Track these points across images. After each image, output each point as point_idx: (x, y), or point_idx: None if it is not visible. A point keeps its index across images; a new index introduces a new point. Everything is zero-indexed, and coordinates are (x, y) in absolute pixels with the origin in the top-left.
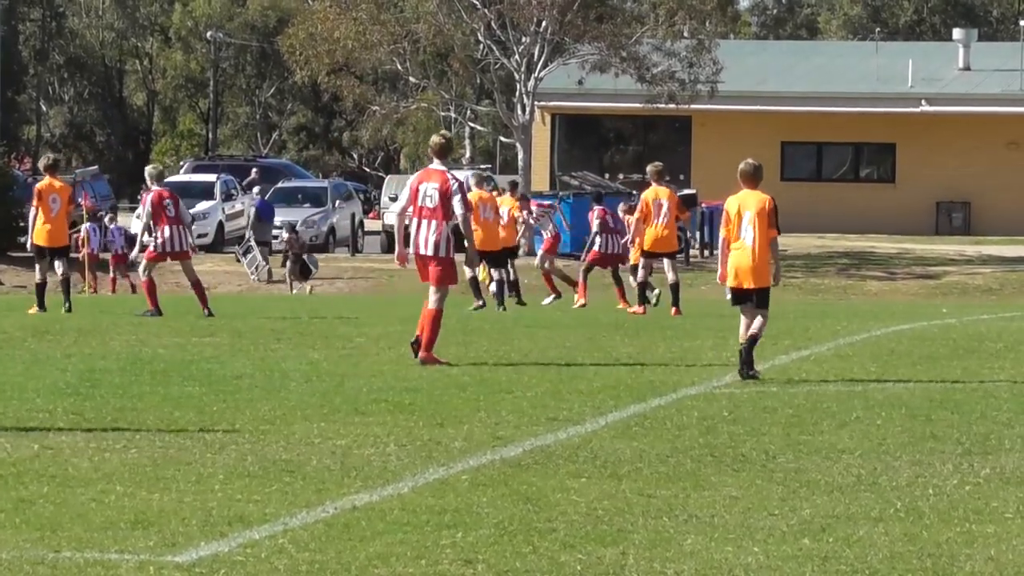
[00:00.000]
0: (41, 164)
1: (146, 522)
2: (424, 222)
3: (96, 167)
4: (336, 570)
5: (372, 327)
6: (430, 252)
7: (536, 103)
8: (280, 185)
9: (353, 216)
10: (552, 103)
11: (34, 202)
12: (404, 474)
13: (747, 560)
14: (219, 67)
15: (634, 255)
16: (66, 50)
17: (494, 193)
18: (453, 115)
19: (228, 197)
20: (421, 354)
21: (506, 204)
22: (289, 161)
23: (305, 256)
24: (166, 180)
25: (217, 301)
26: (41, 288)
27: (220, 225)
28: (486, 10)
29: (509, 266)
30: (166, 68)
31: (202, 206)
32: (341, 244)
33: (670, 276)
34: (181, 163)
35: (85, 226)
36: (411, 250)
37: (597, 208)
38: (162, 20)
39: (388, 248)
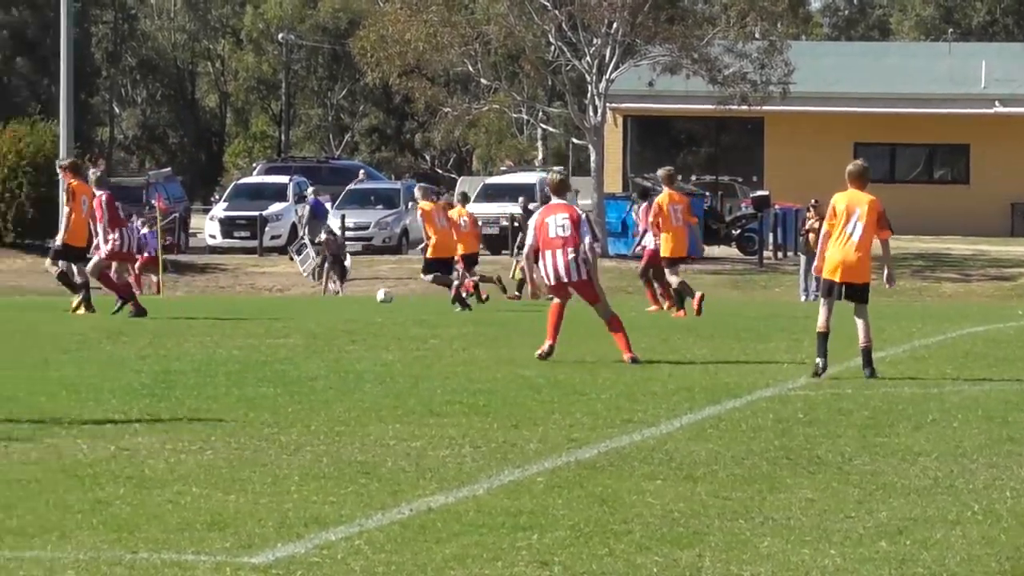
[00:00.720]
0: (67, 163)
1: (222, 523)
2: (559, 251)
3: (169, 169)
4: (412, 572)
5: (446, 329)
6: (575, 277)
7: (608, 105)
8: (353, 187)
9: None
10: (624, 105)
11: (69, 202)
12: (479, 476)
13: (824, 563)
14: (291, 69)
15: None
16: (138, 52)
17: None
18: (525, 117)
19: (301, 199)
20: (625, 356)
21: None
22: (362, 163)
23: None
24: (243, 182)
25: (290, 304)
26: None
27: (293, 227)
28: (557, 12)
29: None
30: (238, 70)
31: (275, 208)
32: (415, 246)
33: (674, 280)
34: (254, 165)
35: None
36: (547, 279)
37: (644, 204)
38: (233, 22)
39: None
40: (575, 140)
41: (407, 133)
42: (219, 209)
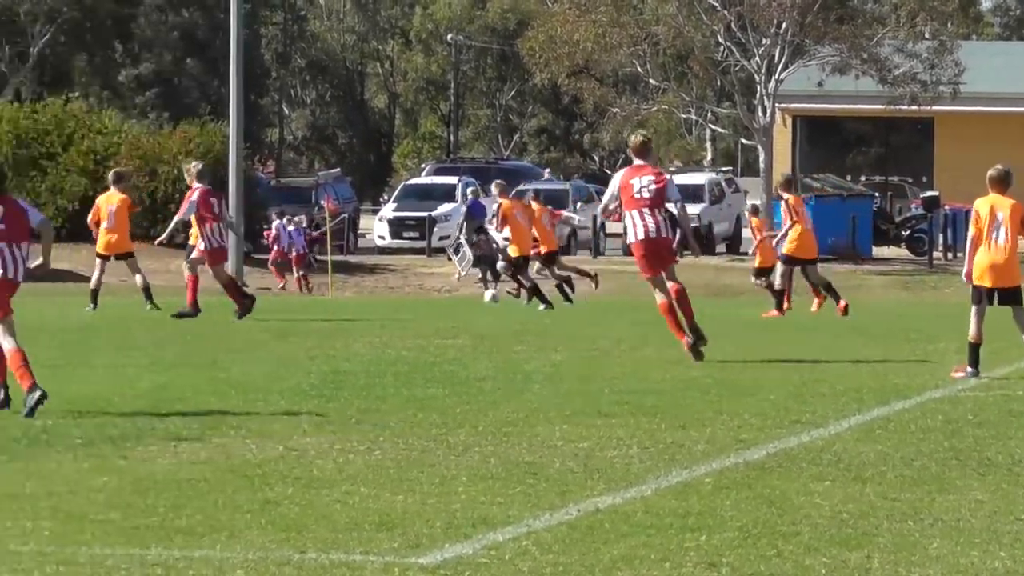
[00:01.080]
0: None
1: (390, 524)
2: (645, 211)
3: (338, 169)
4: (580, 572)
5: (614, 329)
6: (664, 234)
7: (776, 105)
8: (521, 187)
9: (595, 218)
10: (793, 105)
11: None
12: (647, 476)
13: (994, 565)
14: (459, 70)
15: (758, 260)
16: (308, 53)
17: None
18: (694, 117)
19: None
20: (689, 323)
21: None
22: (530, 163)
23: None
24: (412, 182)
25: (459, 304)
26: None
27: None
28: (726, 12)
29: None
30: (407, 71)
31: (444, 208)
32: (583, 246)
33: (778, 281)
34: (423, 165)
35: (276, 223)
36: (633, 236)
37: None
38: (402, 23)
39: (629, 251)
40: (744, 140)
41: (576, 134)
42: (388, 210)
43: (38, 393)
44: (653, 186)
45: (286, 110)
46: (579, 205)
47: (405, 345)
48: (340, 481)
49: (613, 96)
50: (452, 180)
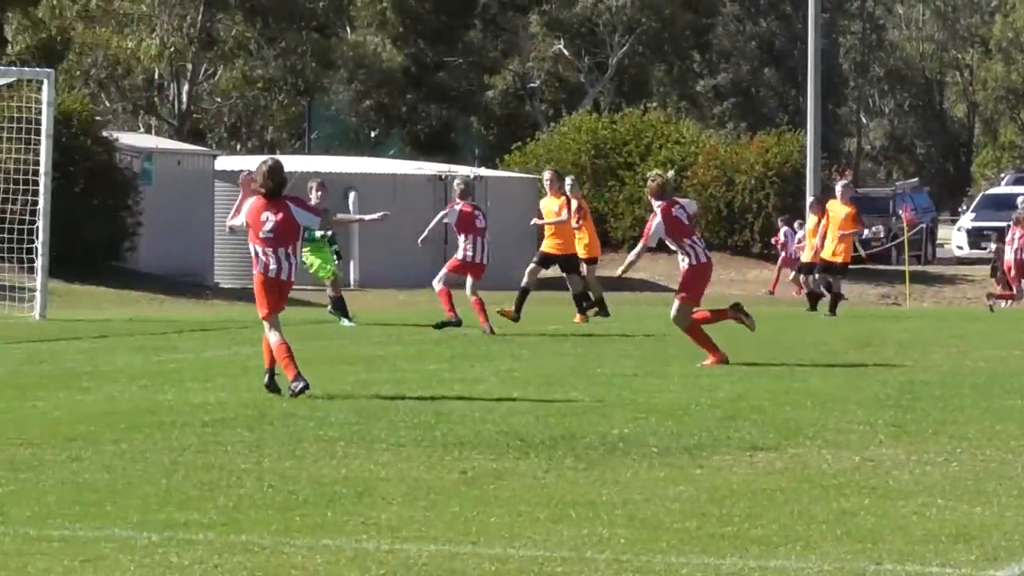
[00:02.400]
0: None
1: (967, 536)
2: (696, 239)
3: (916, 179)
4: None
5: None
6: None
7: None
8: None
9: None
10: None
11: (579, 218)
12: None
13: None
14: None
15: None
16: (886, 63)
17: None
18: None
19: None
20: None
21: None
22: None
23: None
24: (991, 192)
25: None
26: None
27: None
28: None
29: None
30: (986, 79)
31: None
32: None
33: None
34: (1001, 175)
35: (783, 229)
36: (699, 259)
37: None
38: (982, 31)
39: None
40: None
41: None
42: (966, 220)
43: (301, 384)
44: (683, 214)
45: (864, 119)
46: None
47: (983, 356)
48: (916, 492)
49: None
50: None
